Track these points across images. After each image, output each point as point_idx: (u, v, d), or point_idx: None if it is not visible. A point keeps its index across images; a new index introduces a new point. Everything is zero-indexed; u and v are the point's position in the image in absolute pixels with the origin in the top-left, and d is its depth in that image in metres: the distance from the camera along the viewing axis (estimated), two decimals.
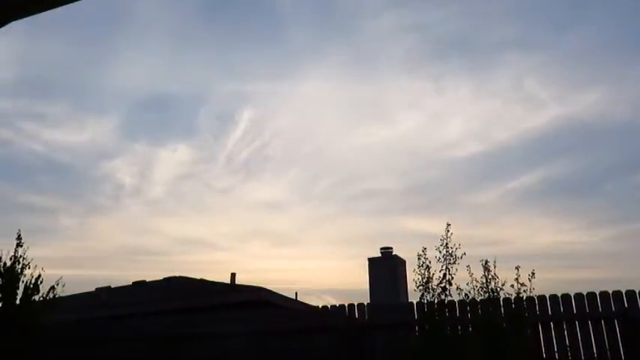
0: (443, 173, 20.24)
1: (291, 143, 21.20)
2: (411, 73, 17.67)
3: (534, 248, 18.00)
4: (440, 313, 7.21)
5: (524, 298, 7.08)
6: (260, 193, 22.60)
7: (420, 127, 19.49)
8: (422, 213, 20.56)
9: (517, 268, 6.86)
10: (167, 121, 20.70)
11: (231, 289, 13.20)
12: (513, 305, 7.17)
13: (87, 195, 22.33)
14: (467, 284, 7.07)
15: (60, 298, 8.72)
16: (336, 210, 21.97)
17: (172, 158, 21.42)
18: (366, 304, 8.45)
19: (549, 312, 7.46)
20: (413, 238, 19.22)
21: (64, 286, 8.63)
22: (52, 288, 8.48)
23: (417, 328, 7.72)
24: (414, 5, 15.69)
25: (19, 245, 8.54)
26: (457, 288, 7.11)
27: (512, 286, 6.89)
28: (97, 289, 15.35)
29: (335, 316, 8.39)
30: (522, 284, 6.82)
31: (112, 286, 15.12)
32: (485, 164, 19.31)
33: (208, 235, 24.06)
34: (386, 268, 11.02)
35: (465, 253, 7.10)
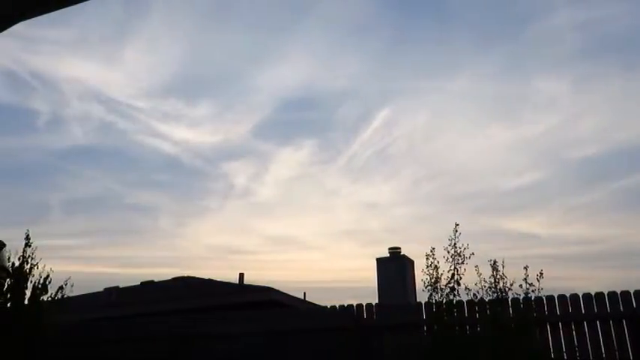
0: (554, 173, 19.84)
1: (414, 143, 20.84)
2: (553, 72, 17.21)
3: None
4: (448, 313, 7.24)
5: (533, 298, 7.10)
6: (366, 193, 22.45)
7: (549, 128, 18.94)
8: (521, 213, 20.20)
9: (525, 268, 6.88)
10: (303, 121, 20.70)
11: (240, 289, 13.28)
12: (522, 305, 7.19)
13: (197, 195, 23.08)
14: (475, 284, 7.10)
15: (68, 298, 8.78)
16: (437, 210, 21.58)
17: (291, 159, 21.61)
18: (374, 304, 8.47)
19: (557, 312, 7.46)
20: (507, 238, 19.14)
21: (72, 285, 8.70)
22: (61, 288, 8.51)
23: (425, 328, 7.75)
24: (588, 3, 15.24)
25: (27, 245, 8.52)
26: (465, 288, 7.13)
27: (520, 286, 6.90)
28: (105, 289, 15.44)
29: (343, 316, 8.41)
30: (531, 284, 6.84)
31: (121, 286, 15.22)
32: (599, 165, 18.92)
33: (304, 234, 24.47)
34: (394, 268, 11.04)
35: (473, 253, 7.12)
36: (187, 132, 20.82)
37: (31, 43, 16.05)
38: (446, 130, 19.74)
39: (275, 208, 22.19)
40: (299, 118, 20.11)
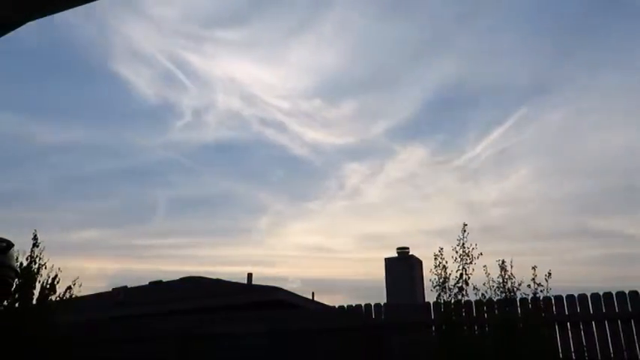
0: None
1: (560, 140, 18.90)
2: None
3: None
4: (457, 313, 7.27)
5: (541, 298, 7.12)
6: (474, 193, 21.58)
7: None
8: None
9: (534, 268, 6.91)
10: (440, 120, 19.63)
11: (248, 289, 13.32)
12: (530, 305, 7.21)
13: (306, 196, 22.96)
14: (483, 284, 7.12)
15: (77, 298, 8.81)
16: (535, 211, 21.06)
17: (409, 159, 20.93)
18: (382, 304, 8.49)
19: (566, 312, 7.47)
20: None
21: (80, 285, 8.74)
22: (69, 288, 8.57)
23: (433, 328, 7.78)
24: None
25: (35, 245, 8.62)
26: (474, 288, 7.15)
27: (528, 286, 6.93)
28: (113, 289, 15.50)
29: (351, 316, 8.43)
30: (539, 284, 6.86)
31: (129, 286, 15.27)
32: None
33: (397, 234, 24.14)
34: (402, 268, 11.05)
35: (481, 253, 7.15)
36: (319, 133, 20.76)
37: (196, 41, 16.55)
38: (593, 129, 18.31)
39: (378, 208, 21.55)
40: (437, 117, 19.34)
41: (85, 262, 19.58)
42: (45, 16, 3.21)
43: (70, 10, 3.12)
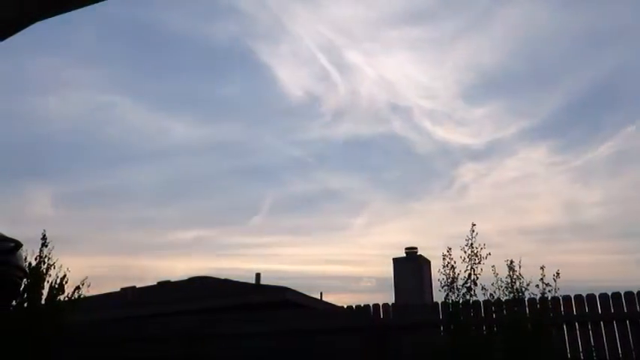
0: None
1: None
2: None
3: None
4: (465, 313, 7.28)
5: (549, 298, 7.12)
6: (575, 194, 21.38)
7: None
8: None
9: (542, 268, 6.92)
10: (582, 120, 19.37)
11: (256, 289, 13.34)
12: (538, 305, 7.22)
13: (412, 194, 22.72)
14: (492, 284, 7.13)
15: (85, 297, 8.83)
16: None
17: (526, 158, 20.39)
18: (390, 304, 8.51)
19: (574, 312, 7.47)
20: None
21: (89, 286, 8.75)
22: (78, 288, 8.56)
23: (442, 328, 7.79)
24: None
25: (44, 245, 8.57)
26: (482, 288, 7.17)
27: (537, 286, 6.94)
28: (122, 288, 15.57)
29: (359, 316, 8.45)
30: (547, 284, 6.87)
31: (138, 286, 15.34)
32: None
33: (488, 233, 23.65)
34: (410, 268, 11.09)
35: (489, 253, 7.16)
36: (450, 132, 20.60)
37: (355, 39, 16.63)
38: None
39: (481, 208, 21.32)
40: (573, 116, 18.92)
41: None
42: (53, 15, 3.20)
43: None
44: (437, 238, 21.11)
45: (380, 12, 15.10)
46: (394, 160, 21.95)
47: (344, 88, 19.60)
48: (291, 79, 19.00)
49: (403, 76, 18.75)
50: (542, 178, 20.59)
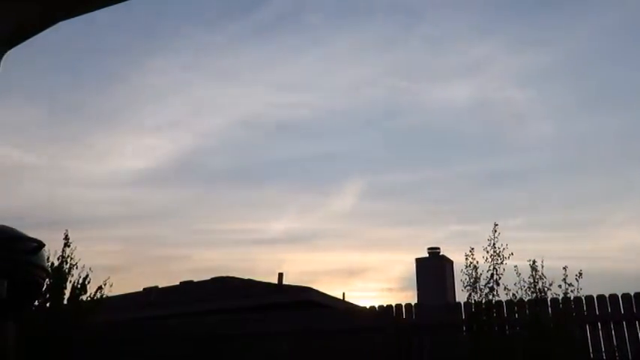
0: None
1: None
2: None
3: None
4: (487, 313, 7.32)
5: (572, 298, 7.15)
6: None
7: None
8: None
9: (564, 268, 6.94)
10: None
11: (279, 289, 13.42)
12: (561, 305, 7.24)
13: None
14: (514, 284, 7.17)
15: (108, 297, 8.94)
16: None
17: None
18: (413, 304, 8.56)
19: (597, 312, 7.49)
20: None
21: (111, 286, 8.88)
22: (100, 288, 8.68)
23: (464, 328, 7.83)
24: None
25: (66, 245, 8.67)
26: (505, 288, 7.20)
27: (559, 286, 6.97)
28: (144, 288, 15.72)
29: (382, 316, 8.51)
30: (570, 284, 6.90)
31: (160, 286, 15.48)
32: None
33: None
34: (433, 268, 11.13)
35: (512, 253, 7.20)
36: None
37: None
38: None
39: None
40: None
41: None
42: (73, 17, 3.15)
43: None
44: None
45: None
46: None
47: None
48: None
49: None
50: None
